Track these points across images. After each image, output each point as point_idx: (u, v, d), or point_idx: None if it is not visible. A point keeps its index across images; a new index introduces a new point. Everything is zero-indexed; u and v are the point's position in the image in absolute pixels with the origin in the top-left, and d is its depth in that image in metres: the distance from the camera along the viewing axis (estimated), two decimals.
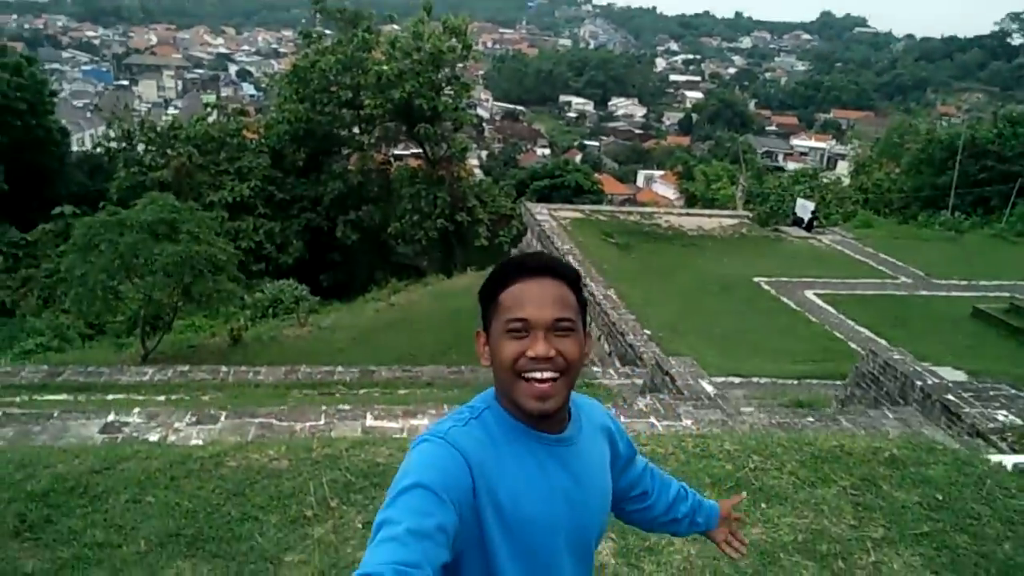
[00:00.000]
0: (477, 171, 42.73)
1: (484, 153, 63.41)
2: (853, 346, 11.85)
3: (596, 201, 32.50)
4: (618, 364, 10.77)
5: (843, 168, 41.16)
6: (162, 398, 7.68)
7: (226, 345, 16.58)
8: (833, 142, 79.32)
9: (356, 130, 31.29)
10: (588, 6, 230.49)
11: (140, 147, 28.99)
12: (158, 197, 15.45)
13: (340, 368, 9.39)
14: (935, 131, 31.36)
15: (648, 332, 11.38)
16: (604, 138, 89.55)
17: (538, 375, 1.38)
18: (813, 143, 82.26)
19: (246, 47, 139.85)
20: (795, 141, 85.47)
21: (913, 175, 28.75)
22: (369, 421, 5.44)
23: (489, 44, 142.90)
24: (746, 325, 12.90)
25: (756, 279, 15.61)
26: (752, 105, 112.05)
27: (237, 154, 28.06)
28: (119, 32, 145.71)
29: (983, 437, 5.83)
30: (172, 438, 4.93)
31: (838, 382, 9.34)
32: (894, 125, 44.28)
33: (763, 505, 4.06)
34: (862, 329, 12.91)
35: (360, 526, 3.65)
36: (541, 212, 19.48)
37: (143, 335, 15.41)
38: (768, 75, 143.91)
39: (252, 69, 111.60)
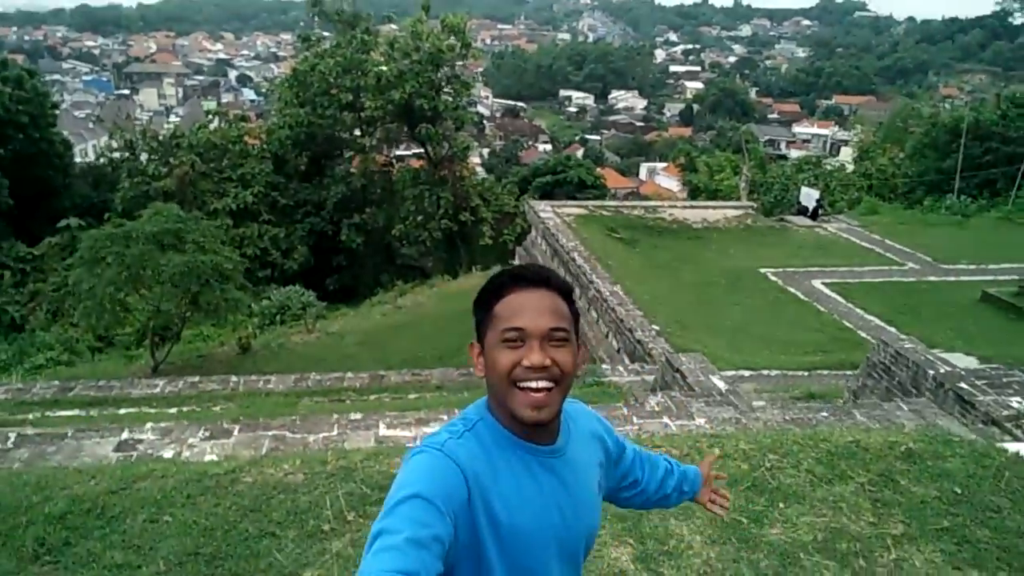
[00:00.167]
0: (479, 169, 42.74)
1: (486, 151, 63.36)
2: (863, 335, 11.81)
3: (599, 196, 32.39)
4: (627, 361, 10.75)
5: (847, 154, 40.81)
6: (173, 410, 7.71)
7: (235, 354, 16.65)
8: (836, 128, 78.88)
9: (357, 132, 31.34)
10: None
11: (143, 157, 29.06)
12: (163, 208, 15.54)
13: (349, 374, 9.45)
14: (938, 114, 31.11)
15: (656, 327, 11.34)
16: (605, 132, 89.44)
17: (533, 384, 1.39)
18: (816, 130, 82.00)
19: (245, 52, 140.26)
20: (797, 128, 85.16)
21: (917, 159, 28.53)
22: (382, 431, 5.45)
23: (488, 40, 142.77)
24: (754, 317, 12.85)
25: (763, 270, 15.55)
26: (753, 93, 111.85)
27: (239, 161, 28.12)
28: (119, 41, 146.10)
29: (998, 425, 5.79)
30: (186, 454, 4.95)
31: (849, 372, 9.28)
32: (897, 109, 44.05)
33: (781, 505, 4.04)
34: (871, 317, 12.86)
35: None
36: (545, 209, 19.43)
37: (152, 346, 15.49)
38: (768, 63, 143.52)
39: (252, 74, 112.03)
